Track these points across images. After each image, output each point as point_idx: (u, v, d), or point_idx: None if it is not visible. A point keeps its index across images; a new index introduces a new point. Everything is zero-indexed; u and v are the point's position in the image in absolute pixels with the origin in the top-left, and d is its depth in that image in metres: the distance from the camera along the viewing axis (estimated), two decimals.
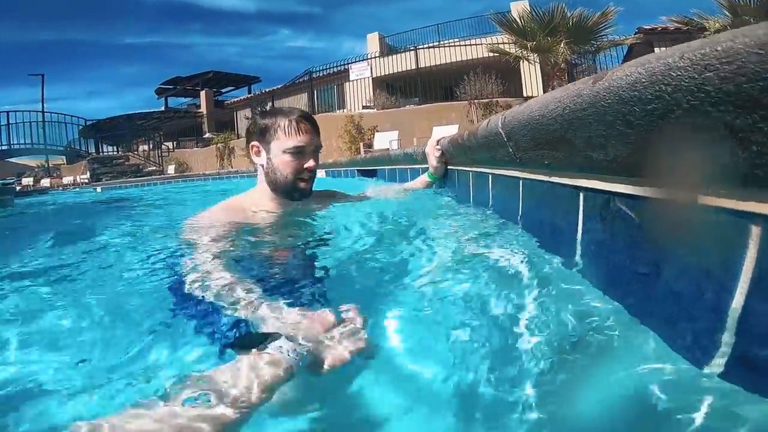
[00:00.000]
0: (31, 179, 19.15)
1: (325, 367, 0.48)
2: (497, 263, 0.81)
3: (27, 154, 18.89)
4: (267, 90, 16.95)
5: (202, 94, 20.58)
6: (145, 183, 11.35)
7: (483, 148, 1.11)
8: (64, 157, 19.33)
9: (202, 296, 0.69)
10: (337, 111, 13.07)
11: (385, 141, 8.91)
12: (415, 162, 2.28)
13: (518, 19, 8.73)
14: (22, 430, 0.49)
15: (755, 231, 0.34)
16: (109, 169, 16.30)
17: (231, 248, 0.96)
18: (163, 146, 17.98)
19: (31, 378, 0.60)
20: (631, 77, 0.44)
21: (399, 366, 0.58)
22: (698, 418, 0.36)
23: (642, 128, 0.45)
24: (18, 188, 16.41)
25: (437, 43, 12.40)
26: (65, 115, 18.36)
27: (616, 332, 0.52)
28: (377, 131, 9.79)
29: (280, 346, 0.45)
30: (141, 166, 16.84)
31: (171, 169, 15.39)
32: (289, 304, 0.60)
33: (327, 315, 0.54)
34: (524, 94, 10.48)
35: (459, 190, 1.55)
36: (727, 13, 7.71)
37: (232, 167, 12.78)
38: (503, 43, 9.35)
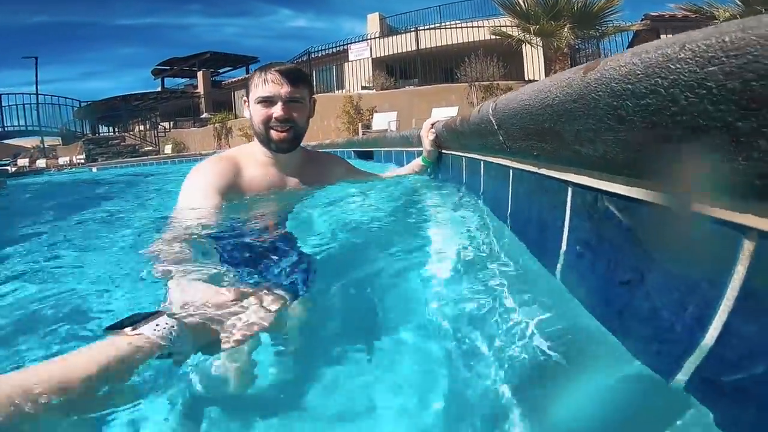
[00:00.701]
0: (27, 160, 19.00)
1: (215, 347, 0.48)
2: (473, 254, 0.80)
3: (22, 135, 18.69)
4: None
5: (199, 74, 20.25)
6: (141, 163, 11.24)
7: (475, 134, 1.07)
8: (59, 138, 19.11)
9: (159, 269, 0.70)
10: (337, 91, 12.91)
11: (383, 121, 8.83)
12: (410, 145, 2.25)
13: (522, 2, 8.53)
14: None
15: (747, 246, 0.31)
16: (104, 150, 16.14)
17: (207, 212, 1.03)
18: (159, 127, 17.76)
19: None
20: (625, 68, 0.40)
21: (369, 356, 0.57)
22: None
23: (634, 125, 0.41)
24: (13, 169, 16.32)
25: (438, 25, 12.17)
26: (60, 97, 18.08)
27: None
28: (376, 112, 9.69)
29: (156, 325, 0.45)
30: (137, 147, 16.67)
31: (168, 149, 15.25)
32: (229, 279, 0.64)
33: (225, 292, 0.52)
34: (526, 78, 10.31)
35: (452, 176, 1.52)
36: (738, 2, 7.52)
37: (229, 147, 12.62)
38: (506, 26, 9.15)
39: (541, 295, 0.62)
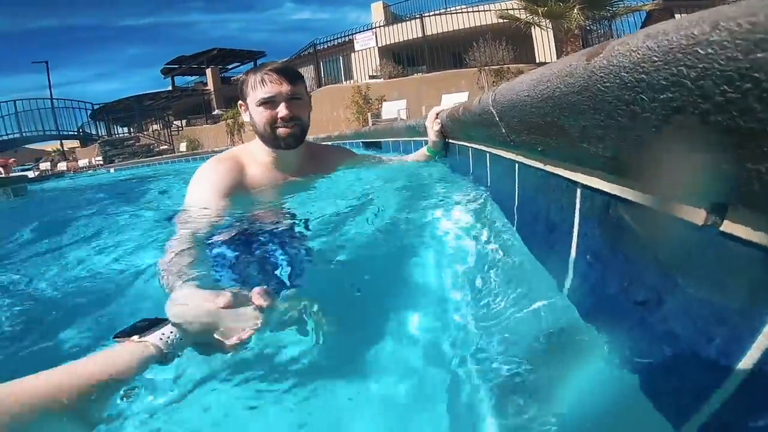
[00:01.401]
0: (49, 164, 19.52)
1: (212, 349, 0.52)
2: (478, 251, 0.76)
3: (42, 140, 19.16)
4: None
5: (208, 71, 20.35)
6: (157, 162, 11.39)
7: (478, 125, 1.00)
8: (78, 140, 19.53)
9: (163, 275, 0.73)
10: (344, 82, 12.82)
11: (393, 110, 8.73)
12: (418, 134, 2.19)
13: None
14: None
15: None
16: (120, 151, 16.46)
17: (210, 215, 1.05)
18: (173, 125, 17.98)
19: None
20: (638, 54, 0.33)
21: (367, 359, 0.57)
22: None
23: (650, 124, 0.34)
24: (36, 173, 16.81)
25: (444, 10, 11.90)
26: (74, 100, 18.52)
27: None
28: (385, 101, 9.58)
29: (162, 334, 0.49)
30: (152, 146, 16.93)
31: (183, 147, 15.46)
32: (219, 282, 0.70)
33: (223, 296, 0.54)
34: (537, 60, 10.02)
35: (459, 165, 1.46)
36: None
37: (242, 142, 12.68)
38: (513, 9, 8.88)
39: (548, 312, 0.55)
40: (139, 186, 4.13)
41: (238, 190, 1.17)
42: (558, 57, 9.13)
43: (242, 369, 0.54)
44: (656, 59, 0.30)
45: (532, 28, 8.90)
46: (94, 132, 19.58)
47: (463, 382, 0.51)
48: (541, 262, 0.68)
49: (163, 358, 0.48)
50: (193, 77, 22.89)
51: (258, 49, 22.30)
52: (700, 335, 0.34)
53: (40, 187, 6.46)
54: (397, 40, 12.44)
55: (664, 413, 0.36)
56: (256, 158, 1.24)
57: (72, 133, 18.70)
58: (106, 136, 19.07)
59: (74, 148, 20.75)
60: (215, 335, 0.51)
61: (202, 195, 1.13)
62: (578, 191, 0.57)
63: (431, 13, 11.70)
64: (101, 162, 15.84)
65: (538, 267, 0.67)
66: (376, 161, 1.56)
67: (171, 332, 0.50)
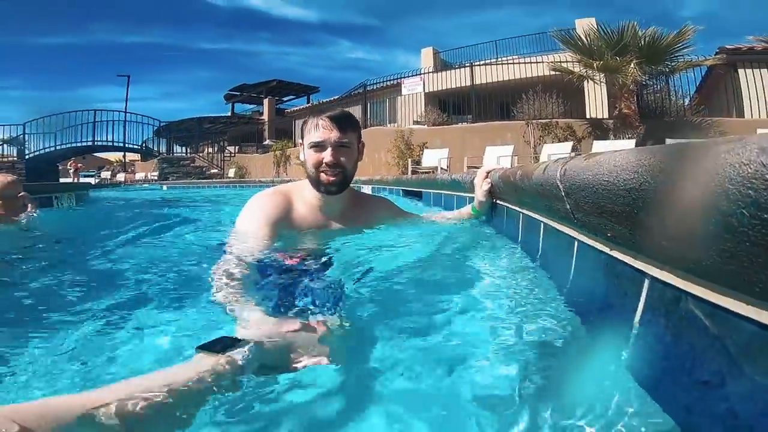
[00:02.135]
0: (109, 174, 21.13)
1: (280, 372, 0.56)
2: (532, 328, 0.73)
3: (109, 150, 20.84)
4: (324, 100, 17.50)
5: (266, 101, 21.66)
6: (206, 185, 12.01)
7: (536, 194, 0.99)
8: (139, 154, 21.10)
9: (215, 290, 0.81)
10: (389, 125, 13.11)
11: (434, 158, 8.72)
12: (462, 190, 2.17)
13: (584, 37, 8.31)
14: None
15: None
16: (176, 169, 17.52)
17: (261, 240, 1.16)
18: (226, 150, 19.05)
19: None
20: (749, 167, 0.32)
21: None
22: None
23: (747, 239, 0.33)
24: (96, 180, 18.19)
25: (495, 60, 12.08)
26: (143, 116, 20.07)
27: None
28: (426, 148, 9.63)
29: (245, 352, 0.54)
30: (204, 169, 17.93)
31: (231, 173, 16.27)
32: (273, 308, 0.76)
33: (292, 323, 0.60)
34: (587, 116, 9.92)
35: (507, 229, 1.43)
36: None
37: (287, 175, 13.20)
38: (566, 62, 8.92)
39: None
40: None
41: (283, 222, 1.26)
42: (610, 113, 9.02)
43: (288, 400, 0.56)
44: None
45: (585, 82, 8.87)
46: (155, 148, 21.09)
47: None
48: (593, 336, 0.66)
49: (242, 373, 0.53)
50: (251, 106, 24.44)
51: (313, 84, 23.49)
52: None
53: (98, 195, 6.96)
54: (444, 87, 12.68)
55: None
56: (304, 197, 1.33)
57: (136, 146, 20.24)
58: (165, 154, 20.48)
59: (135, 161, 22.38)
60: (288, 359, 0.57)
61: (251, 223, 1.23)
62: (646, 281, 0.55)
63: (481, 62, 11.86)
64: (156, 177, 16.93)
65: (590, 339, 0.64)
66: (417, 219, 1.56)
67: (252, 352, 0.54)
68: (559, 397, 0.55)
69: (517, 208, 1.31)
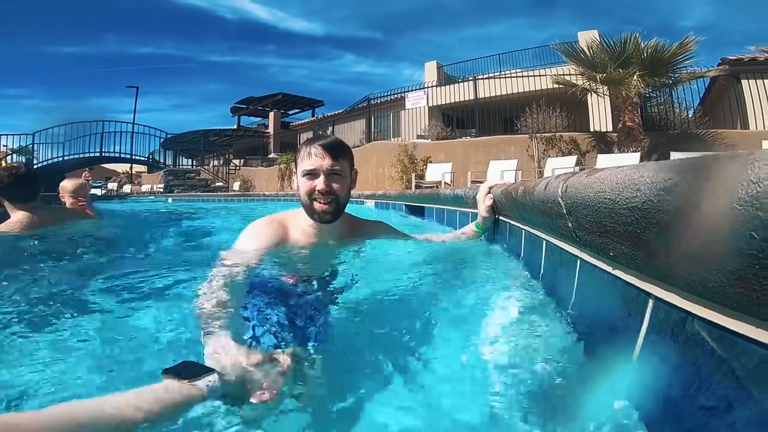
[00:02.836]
0: (116, 185, 21.34)
1: (238, 401, 0.56)
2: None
3: (115, 161, 21.07)
4: (329, 114, 17.66)
5: (271, 115, 21.90)
6: (210, 198, 12.07)
7: (539, 212, 0.97)
8: (146, 166, 21.31)
9: (199, 312, 0.80)
10: (392, 139, 13.15)
11: (438, 173, 8.70)
12: (465, 205, 2.15)
13: (587, 50, 8.35)
14: None
15: None
16: (181, 182, 17.65)
17: (253, 266, 1.12)
18: (231, 163, 19.19)
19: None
20: (758, 186, 0.31)
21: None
22: None
23: (754, 262, 0.31)
24: (103, 192, 18.36)
25: (498, 74, 12.12)
26: (150, 127, 20.29)
27: None
28: (430, 162, 9.63)
29: (210, 381, 0.55)
30: (209, 182, 18.06)
31: (236, 186, 16.36)
32: (248, 336, 0.78)
33: (255, 355, 0.60)
34: (591, 129, 9.93)
35: (509, 246, 1.41)
36: None
37: (291, 189, 13.21)
38: (569, 75, 8.96)
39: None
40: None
41: (279, 246, 1.26)
42: (614, 126, 9.01)
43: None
44: None
45: (588, 95, 8.88)
46: (161, 160, 21.30)
47: None
48: (597, 360, 0.63)
49: (202, 401, 0.54)
50: (257, 119, 24.72)
51: (318, 97, 23.83)
52: None
53: (104, 207, 6.99)
54: (448, 101, 12.74)
55: None
56: (300, 224, 1.33)
57: (143, 158, 20.45)
58: (171, 166, 20.68)
59: (141, 172, 22.60)
60: (251, 390, 0.57)
61: (246, 248, 1.22)
62: (650, 302, 0.53)
63: (485, 76, 11.91)
64: (162, 189, 17.07)
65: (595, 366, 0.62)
66: (416, 241, 1.53)
67: (216, 381, 0.55)
68: (553, 419, 0.54)
69: (519, 225, 1.29)
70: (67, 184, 2.69)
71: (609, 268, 0.65)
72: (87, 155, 18.36)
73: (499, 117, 10.52)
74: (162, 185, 17.60)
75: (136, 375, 0.70)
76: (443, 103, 12.91)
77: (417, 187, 8.25)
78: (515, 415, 0.56)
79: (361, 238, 1.41)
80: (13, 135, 17.18)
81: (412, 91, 12.51)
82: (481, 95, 11.06)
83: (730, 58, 9.31)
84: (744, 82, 8.84)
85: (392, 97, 13.09)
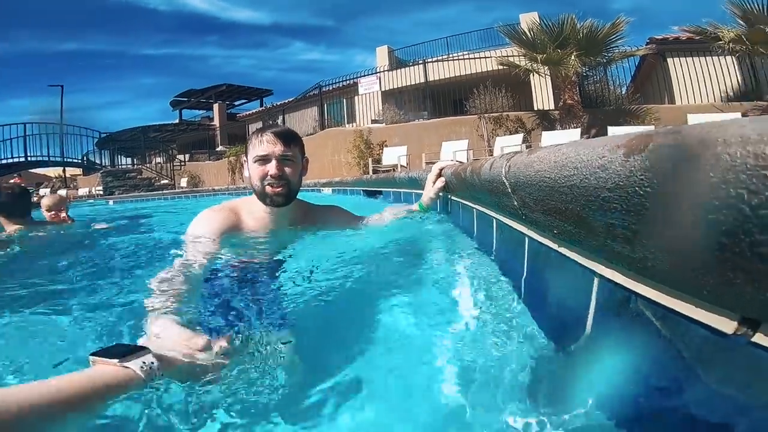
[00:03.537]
0: (48, 190, 19.57)
1: (184, 381, 0.55)
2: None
3: (45, 165, 19.29)
4: (279, 103, 17.03)
5: (215, 106, 20.88)
6: (155, 197, 11.40)
7: (487, 191, 0.98)
8: (81, 168, 19.69)
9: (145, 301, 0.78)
10: (347, 125, 13.00)
11: (393, 156, 8.77)
12: (419, 186, 2.17)
13: (527, 31, 8.63)
14: None
15: None
16: (122, 182, 16.48)
17: (206, 252, 1.11)
18: (176, 159, 18.16)
19: None
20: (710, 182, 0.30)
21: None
22: None
23: (694, 238, 0.31)
24: (35, 199, 16.77)
25: (446, 56, 12.28)
26: (82, 127, 18.70)
27: None
28: (386, 146, 9.65)
29: (143, 363, 0.51)
30: (153, 180, 17.00)
31: (183, 182, 15.53)
32: (197, 321, 0.75)
33: (198, 338, 0.59)
34: (535, 107, 10.32)
35: (463, 225, 1.42)
36: (741, 22, 7.48)
37: (243, 181, 12.73)
38: (513, 56, 9.22)
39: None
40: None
41: (232, 232, 1.27)
42: (556, 104, 9.41)
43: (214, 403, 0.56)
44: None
45: (531, 75, 9.20)
46: (97, 161, 19.75)
47: None
48: (548, 335, 0.65)
49: (143, 384, 0.50)
50: (201, 111, 23.47)
51: (266, 87, 22.87)
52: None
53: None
54: (400, 85, 12.76)
55: None
56: (252, 211, 1.34)
57: (76, 160, 18.87)
58: (109, 166, 19.23)
59: (77, 175, 20.87)
60: (192, 371, 0.56)
61: (200, 236, 1.22)
62: (595, 280, 0.54)
63: (434, 59, 12.00)
64: (101, 192, 15.87)
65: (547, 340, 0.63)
66: (367, 220, 1.54)
67: (152, 362, 0.52)
68: (503, 394, 0.54)
69: (470, 204, 1.31)
70: (45, 201, 2.95)
71: (555, 246, 0.66)
72: (7, 161, 16.64)
73: (449, 99, 10.70)
74: (101, 187, 16.36)
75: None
76: (396, 87, 12.90)
77: (374, 171, 8.26)
78: (470, 390, 0.56)
79: (315, 223, 1.42)
80: None
81: (364, 76, 12.37)
82: (431, 78, 11.17)
83: (657, 37, 9.97)
84: (670, 60, 9.51)
85: (345, 83, 12.91)
